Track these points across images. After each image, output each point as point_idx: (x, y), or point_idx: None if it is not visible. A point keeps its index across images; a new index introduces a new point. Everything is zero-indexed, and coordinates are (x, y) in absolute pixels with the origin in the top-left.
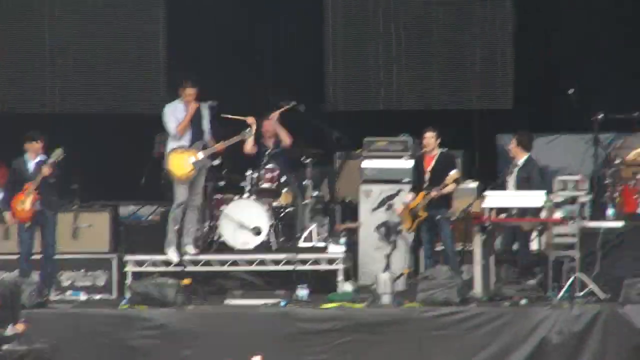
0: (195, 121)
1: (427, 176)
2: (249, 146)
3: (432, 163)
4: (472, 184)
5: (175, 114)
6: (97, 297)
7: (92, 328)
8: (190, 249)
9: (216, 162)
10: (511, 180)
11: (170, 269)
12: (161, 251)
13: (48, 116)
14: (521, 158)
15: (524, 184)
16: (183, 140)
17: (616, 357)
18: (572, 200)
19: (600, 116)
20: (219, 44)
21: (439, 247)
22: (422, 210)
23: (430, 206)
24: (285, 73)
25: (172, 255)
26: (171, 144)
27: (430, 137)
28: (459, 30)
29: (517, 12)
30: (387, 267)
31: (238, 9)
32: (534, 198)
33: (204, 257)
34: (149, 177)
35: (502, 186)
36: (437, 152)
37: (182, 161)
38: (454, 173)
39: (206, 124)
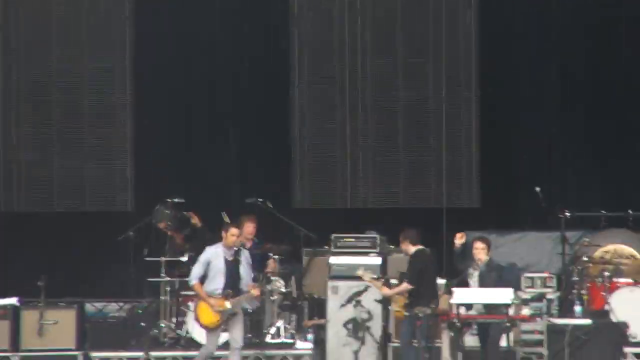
0: (231, 265)
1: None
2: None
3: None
4: (440, 281)
5: (209, 261)
6: None
7: None
8: None
9: (184, 258)
10: (474, 279)
11: None
12: (127, 347)
13: (10, 214)
14: (484, 258)
15: (486, 283)
16: (214, 285)
17: None
18: (540, 297)
19: (567, 214)
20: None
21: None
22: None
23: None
24: (251, 170)
25: None
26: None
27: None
28: (424, 134)
29: (481, 113)
30: None
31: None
32: (502, 295)
33: (170, 353)
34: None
35: (465, 284)
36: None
37: (208, 310)
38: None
39: (244, 270)
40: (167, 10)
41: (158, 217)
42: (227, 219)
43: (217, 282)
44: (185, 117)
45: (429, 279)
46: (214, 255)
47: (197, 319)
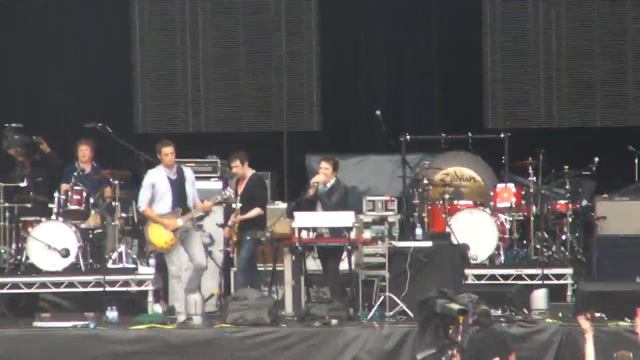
0: (176, 184)
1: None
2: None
3: (243, 185)
4: (282, 205)
5: (153, 183)
6: None
7: None
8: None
9: (23, 184)
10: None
11: None
12: None
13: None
14: (331, 180)
15: (330, 205)
16: (162, 206)
17: None
18: (381, 220)
19: (408, 137)
20: None
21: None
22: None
23: (242, 228)
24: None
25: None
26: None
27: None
28: (266, 60)
29: (322, 34)
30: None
31: None
32: (344, 218)
33: (10, 279)
34: None
35: (309, 205)
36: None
37: (160, 231)
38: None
39: (189, 187)
40: None
41: (8, 143)
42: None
43: (164, 202)
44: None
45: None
46: (157, 177)
47: (150, 243)
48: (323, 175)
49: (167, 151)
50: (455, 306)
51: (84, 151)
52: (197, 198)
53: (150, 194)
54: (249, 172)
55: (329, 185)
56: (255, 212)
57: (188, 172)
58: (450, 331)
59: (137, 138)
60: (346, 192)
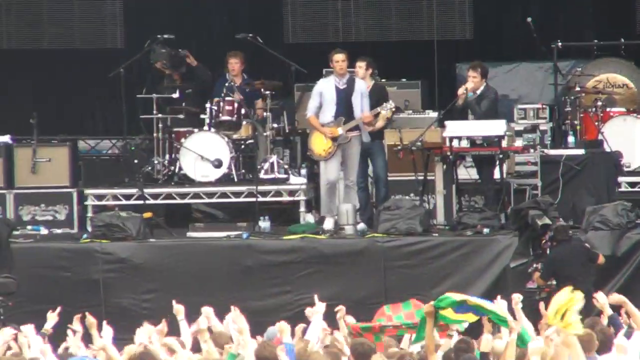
0: (343, 93)
1: None
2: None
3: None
4: (433, 114)
5: (320, 92)
6: (59, 231)
7: (53, 262)
8: (361, 226)
9: (175, 95)
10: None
11: (131, 202)
12: (121, 184)
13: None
14: (480, 87)
15: (480, 112)
16: (327, 115)
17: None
18: (533, 128)
19: (559, 44)
20: None
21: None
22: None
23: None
24: (242, 7)
25: (328, 224)
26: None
27: (359, 67)
28: None
29: None
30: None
31: None
32: (495, 127)
33: (164, 190)
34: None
35: (460, 114)
36: (370, 83)
37: (320, 138)
38: (384, 109)
39: (357, 98)
40: None
41: (154, 56)
42: None
43: (329, 111)
44: None
45: None
46: (325, 86)
47: (310, 150)
48: (471, 83)
49: (338, 58)
50: (541, 221)
51: (233, 64)
52: (368, 110)
53: (317, 102)
54: (370, 81)
55: (478, 92)
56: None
57: (359, 83)
58: (542, 243)
59: (287, 48)
60: (496, 97)
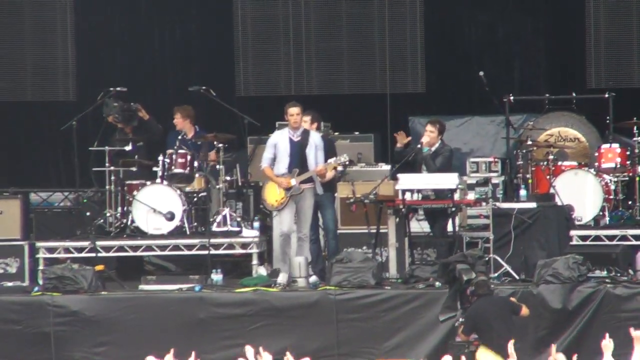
0: (297, 146)
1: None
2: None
3: None
4: (386, 166)
5: (275, 143)
6: (9, 284)
7: (4, 315)
8: (314, 278)
9: (127, 147)
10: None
11: (83, 255)
12: (73, 237)
13: None
14: (436, 143)
15: (435, 168)
16: (280, 166)
17: (534, 332)
18: (485, 181)
19: (511, 98)
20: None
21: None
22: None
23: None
24: (196, 60)
25: (282, 278)
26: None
27: (304, 122)
28: (369, 22)
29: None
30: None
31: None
32: (447, 180)
33: (117, 242)
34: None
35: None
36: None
37: (274, 189)
38: (332, 161)
39: (311, 151)
40: None
41: (106, 110)
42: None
43: (283, 163)
44: (129, 5)
45: None
46: (279, 138)
47: (264, 200)
48: (427, 137)
49: (293, 112)
50: (467, 275)
51: (176, 119)
52: (322, 163)
53: (271, 154)
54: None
55: (433, 148)
56: (331, 174)
57: (314, 137)
58: (469, 297)
59: (240, 101)
60: (451, 155)
